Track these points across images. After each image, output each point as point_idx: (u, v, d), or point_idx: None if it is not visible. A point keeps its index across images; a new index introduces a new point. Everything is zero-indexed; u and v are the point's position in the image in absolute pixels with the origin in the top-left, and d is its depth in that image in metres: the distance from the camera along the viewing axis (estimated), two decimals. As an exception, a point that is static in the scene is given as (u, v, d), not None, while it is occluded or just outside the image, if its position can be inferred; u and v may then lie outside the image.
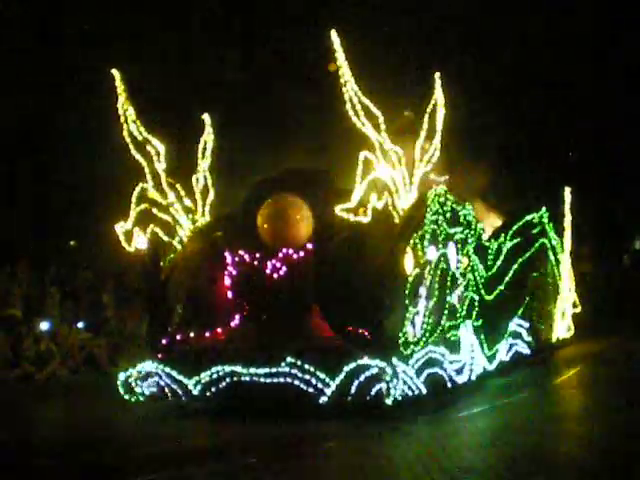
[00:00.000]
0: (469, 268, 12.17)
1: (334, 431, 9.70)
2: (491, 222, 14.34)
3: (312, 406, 10.30)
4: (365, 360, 10.15)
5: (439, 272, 11.15)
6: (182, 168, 12.15)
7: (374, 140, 10.53)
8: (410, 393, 10.38)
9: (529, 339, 14.40)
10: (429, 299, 10.94)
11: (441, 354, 11.12)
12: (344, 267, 10.49)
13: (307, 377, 10.41)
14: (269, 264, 11.18)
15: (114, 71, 11.67)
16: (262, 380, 10.58)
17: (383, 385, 10.04)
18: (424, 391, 10.61)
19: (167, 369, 11.02)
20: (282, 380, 10.50)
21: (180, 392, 11.02)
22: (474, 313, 12.20)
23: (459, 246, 11.89)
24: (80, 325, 15.72)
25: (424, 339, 10.78)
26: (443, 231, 11.35)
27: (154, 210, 11.77)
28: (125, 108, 11.68)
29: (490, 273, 13.21)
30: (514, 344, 13.95)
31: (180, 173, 12.11)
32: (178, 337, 11.41)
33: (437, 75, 11.66)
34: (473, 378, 11.99)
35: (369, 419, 10.02)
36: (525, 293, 14.35)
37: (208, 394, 10.88)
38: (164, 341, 11.36)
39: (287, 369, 10.47)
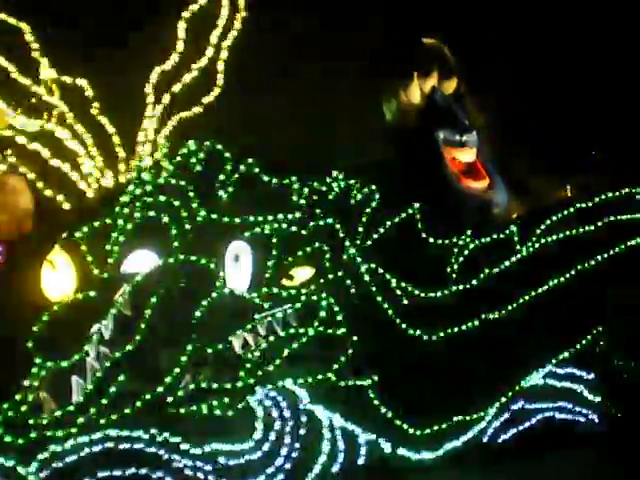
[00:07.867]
0: (325, 283, 6.81)
1: None
2: None
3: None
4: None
5: (161, 294, 6.11)
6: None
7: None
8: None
9: (595, 399, 8.25)
10: (116, 342, 6.02)
11: (149, 443, 6.05)
12: None
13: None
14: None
15: None
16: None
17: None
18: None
19: None
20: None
21: None
22: (341, 362, 6.77)
23: (276, 247, 6.64)
24: None
25: (88, 415, 5.85)
26: (183, 221, 6.26)
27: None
28: None
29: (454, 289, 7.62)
30: (545, 410, 8.08)
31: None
32: None
33: None
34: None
35: None
36: (590, 323, 8.21)
37: None
38: None
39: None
